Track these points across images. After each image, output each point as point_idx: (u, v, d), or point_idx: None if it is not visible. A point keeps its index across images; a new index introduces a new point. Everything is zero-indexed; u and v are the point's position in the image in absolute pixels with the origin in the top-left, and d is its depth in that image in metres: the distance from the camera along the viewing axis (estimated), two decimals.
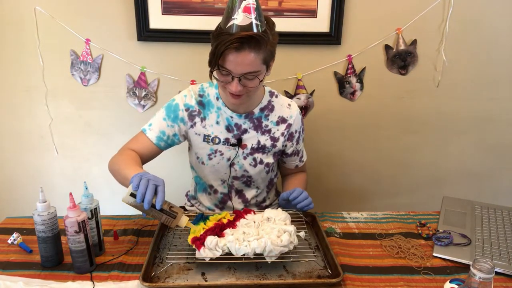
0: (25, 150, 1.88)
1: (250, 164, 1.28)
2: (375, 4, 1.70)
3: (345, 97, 1.84)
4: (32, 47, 1.71)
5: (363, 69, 1.79)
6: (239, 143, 1.25)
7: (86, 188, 1.04)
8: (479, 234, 1.15)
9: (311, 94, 1.81)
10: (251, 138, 1.26)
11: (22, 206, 1.93)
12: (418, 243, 1.12)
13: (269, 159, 1.29)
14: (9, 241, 1.08)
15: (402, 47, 1.76)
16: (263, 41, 1.04)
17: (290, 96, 1.80)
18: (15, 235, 1.09)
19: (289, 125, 1.28)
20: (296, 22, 1.69)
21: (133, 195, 0.96)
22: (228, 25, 1.03)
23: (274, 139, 1.28)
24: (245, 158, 1.27)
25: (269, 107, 1.27)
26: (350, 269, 1.01)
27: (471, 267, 0.73)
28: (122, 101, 1.80)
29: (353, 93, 1.83)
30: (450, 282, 0.89)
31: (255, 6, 1.02)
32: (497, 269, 0.98)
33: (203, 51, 1.72)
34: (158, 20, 1.67)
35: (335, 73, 1.80)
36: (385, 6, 1.71)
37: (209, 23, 1.68)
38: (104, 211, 1.29)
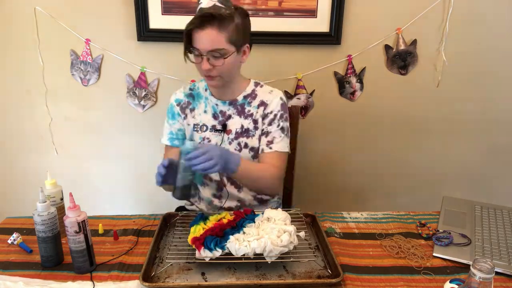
0: (25, 150, 1.88)
1: (235, 149, 1.31)
2: (375, 4, 1.70)
3: (345, 97, 1.84)
4: (32, 47, 1.71)
5: (363, 69, 1.79)
6: (224, 128, 1.31)
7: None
8: (479, 234, 1.15)
9: (311, 94, 1.81)
10: (235, 123, 1.31)
11: (22, 206, 1.93)
12: (418, 243, 1.12)
13: (253, 142, 1.31)
14: (9, 241, 1.08)
15: (402, 47, 1.76)
16: (223, 20, 1.12)
17: (290, 96, 1.80)
18: (15, 235, 1.09)
19: (266, 105, 1.31)
20: (296, 22, 1.69)
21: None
22: (197, 10, 1.16)
23: (256, 122, 1.32)
24: (230, 143, 1.31)
25: (253, 95, 1.33)
26: (350, 269, 1.01)
27: (471, 267, 0.73)
28: (122, 101, 1.80)
29: (353, 93, 1.83)
30: (450, 282, 0.89)
31: None
32: (497, 269, 0.98)
33: None
34: (158, 20, 1.67)
35: (335, 73, 1.80)
36: (385, 6, 1.71)
37: None
38: (104, 211, 1.29)
